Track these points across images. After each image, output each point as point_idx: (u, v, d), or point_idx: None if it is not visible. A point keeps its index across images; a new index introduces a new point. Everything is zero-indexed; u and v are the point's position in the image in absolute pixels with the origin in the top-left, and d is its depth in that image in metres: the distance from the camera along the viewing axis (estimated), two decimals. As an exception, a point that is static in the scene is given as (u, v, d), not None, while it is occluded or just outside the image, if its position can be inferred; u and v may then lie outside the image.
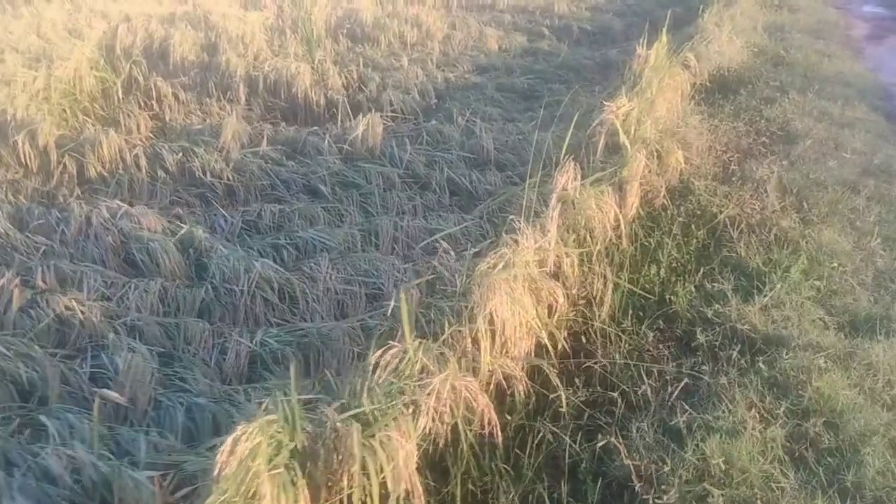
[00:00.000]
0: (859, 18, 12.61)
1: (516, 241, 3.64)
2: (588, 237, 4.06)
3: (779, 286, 4.29)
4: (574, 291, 4.00)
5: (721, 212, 4.92)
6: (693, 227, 4.94)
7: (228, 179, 6.30)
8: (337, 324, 4.14)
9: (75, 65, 8.70)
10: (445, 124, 7.08)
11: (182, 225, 5.18)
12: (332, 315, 4.39)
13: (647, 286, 4.40)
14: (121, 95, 8.70)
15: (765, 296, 4.25)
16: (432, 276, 3.66)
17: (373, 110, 6.86)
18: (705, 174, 5.54)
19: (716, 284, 4.40)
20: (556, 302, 3.66)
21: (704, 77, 7.59)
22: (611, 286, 4.09)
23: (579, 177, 4.39)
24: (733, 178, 5.57)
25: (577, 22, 13.71)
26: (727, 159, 5.92)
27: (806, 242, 4.71)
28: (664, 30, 7.08)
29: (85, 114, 8.35)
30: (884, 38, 11.54)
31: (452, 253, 3.81)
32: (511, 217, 3.77)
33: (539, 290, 3.59)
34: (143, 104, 8.69)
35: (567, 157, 4.19)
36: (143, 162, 6.48)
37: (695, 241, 4.85)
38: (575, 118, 4.66)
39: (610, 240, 4.21)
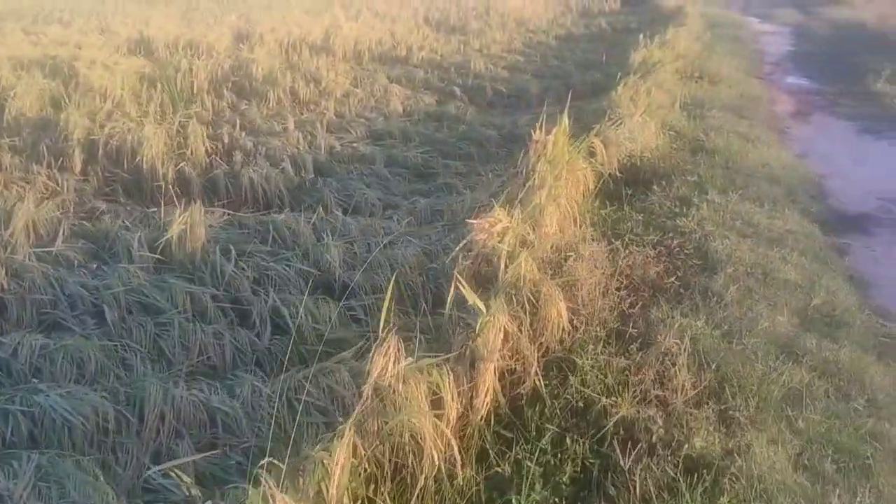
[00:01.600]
0: (783, 91, 11.88)
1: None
2: (408, 464, 2.73)
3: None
4: None
5: (611, 411, 3.42)
6: (569, 439, 3.33)
7: (1, 289, 4.79)
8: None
9: None
10: (301, 218, 5.73)
11: None
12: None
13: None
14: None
15: None
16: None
17: (198, 201, 5.44)
18: (596, 335, 4.04)
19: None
20: None
21: (614, 166, 6.48)
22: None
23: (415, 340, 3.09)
24: (633, 343, 3.98)
25: (492, 82, 12.67)
26: (628, 304, 4.47)
27: (729, 477, 3.10)
28: (565, 113, 5.93)
29: None
30: (809, 115, 10.75)
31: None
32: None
33: None
34: (-48, 169, 7.11)
35: (391, 326, 2.86)
36: None
37: (570, 466, 3.20)
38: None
39: (440, 466, 2.84)
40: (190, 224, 4.90)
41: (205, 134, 8.19)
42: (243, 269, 4.71)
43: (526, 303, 3.66)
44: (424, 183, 7.57)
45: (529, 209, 4.64)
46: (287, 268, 4.78)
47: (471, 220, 4.10)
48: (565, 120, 5.89)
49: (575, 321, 4.01)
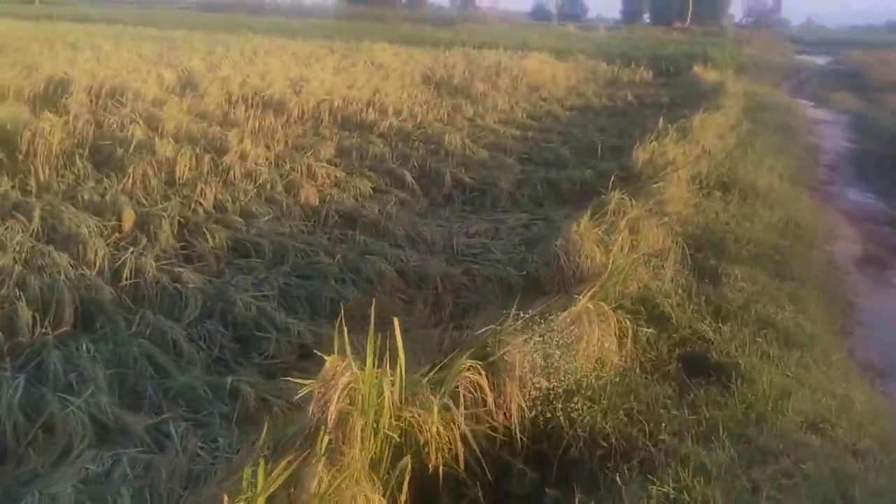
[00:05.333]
0: (843, 215, 8.40)
1: None
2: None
3: None
4: None
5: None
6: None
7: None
8: None
9: None
10: None
11: None
12: None
13: None
14: None
15: None
16: None
17: None
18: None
19: None
20: None
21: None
22: None
23: None
24: None
25: (459, 168, 9.54)
26: None
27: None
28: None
29: None
30: (885, 265, 7.02)
31: None
32: None
33: None
34: None
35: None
36: None
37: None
38: None
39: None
40: None
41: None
42: None
43: None
44: (219, 395, 4.32)
45: None
46: None
47: None
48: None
49: None
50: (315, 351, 4.68)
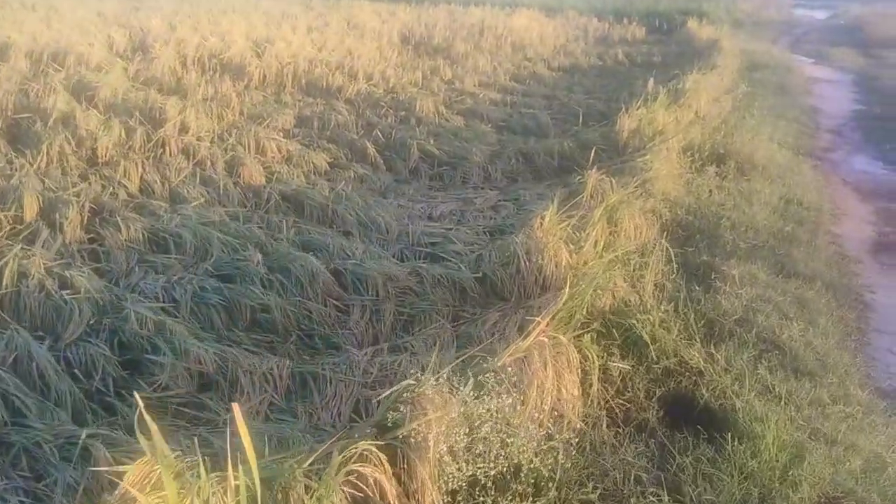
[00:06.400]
0: (852, 189, 7.37)
1: None
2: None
3: None
4: None
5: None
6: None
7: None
8: None
9: None
10: None
11: None
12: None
13: None
14: None
15: None
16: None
17: None
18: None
19: None
20: None
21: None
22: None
23: None
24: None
25: (430, 137, 8.59)
26: None
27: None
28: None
29: None
30: None
31: None
32: None
33: None
34: None
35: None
36: None
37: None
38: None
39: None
40: None
41: None
42: None
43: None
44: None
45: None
46: None
47: None
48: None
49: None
50: (219, 379, 3.85)
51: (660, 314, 3.55)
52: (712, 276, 4.30)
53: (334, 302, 4.50)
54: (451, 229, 5.92)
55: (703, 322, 3.73)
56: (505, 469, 2.34)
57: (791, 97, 11.81)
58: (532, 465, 2.35)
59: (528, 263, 3.93)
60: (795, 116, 10.26)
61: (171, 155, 7.05)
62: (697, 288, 4.14)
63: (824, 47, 20.37)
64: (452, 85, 12.21)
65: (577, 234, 4.11)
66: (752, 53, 16.47)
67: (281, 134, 8.55)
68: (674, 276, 4.19)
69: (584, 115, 10.27)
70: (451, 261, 5.15)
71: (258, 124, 8.78)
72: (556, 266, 3.83)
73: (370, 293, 4.52)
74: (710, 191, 6.02)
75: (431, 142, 8.41)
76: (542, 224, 4.05)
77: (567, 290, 3.45)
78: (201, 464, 1.84)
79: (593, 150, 6.47)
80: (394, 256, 5.43)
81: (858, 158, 8.72)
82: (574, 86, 13.01)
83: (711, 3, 26.02)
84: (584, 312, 3.44)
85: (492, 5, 23.15)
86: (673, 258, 4.21)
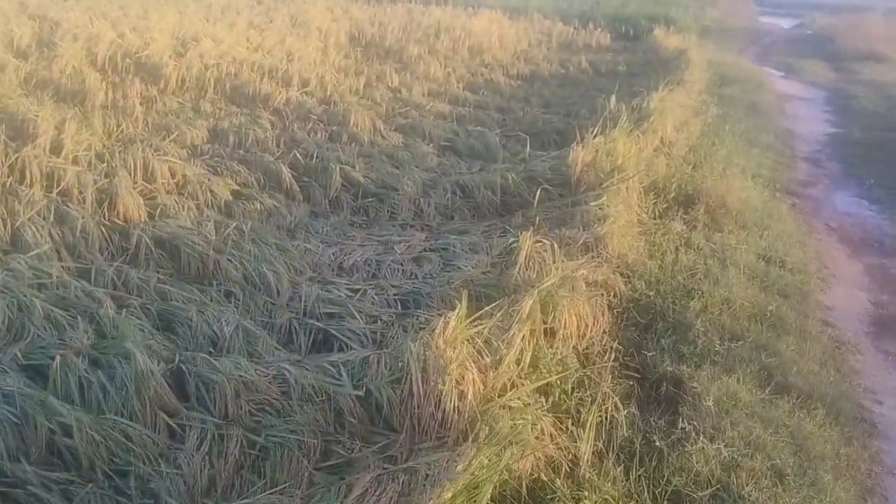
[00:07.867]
0: (838, 238, 6.21)
1: None
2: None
3: None
4: None
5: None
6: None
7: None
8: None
9: None
10: None
11: None
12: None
13: None
14: None
15: None
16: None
17: None
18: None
19: None
20: None
21: None
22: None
23: None
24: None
25: (361, 160, 7.35)
26: None
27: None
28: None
29: None
30: None
31: None
32: None
33: None
34: None
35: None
36: None
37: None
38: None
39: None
40: None
41: None
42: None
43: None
44: None
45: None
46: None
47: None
48: None
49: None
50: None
51: (603, 492, 2.38)
52: (679, 401, 3.17)
53: (166, 419, 3.26)
54: (357, 292, 4.71)
55: (666, 496, 2.59)
56: None
57: (764, 118, 10.78)
58: None
59: (422, 387, 2.75)
60: (769, 143, 9.21)
61: (29, 183, 5.72)
62: (656, 422, 2.98)
63: (794, 59, 19.52)
64: (398, 94, 11.00)
65: (497, 338, 2.93)
66: (720, 66, 15.51)
67: (186, 152, 7.28)
68: (628, 403, 3.04)
69: (539, 132, 9.15)
70: (344, 342, 3.97)
71: (162, 139, 7.51)
72: (461, 397, 2.66)
73: (216, 408, 3.28)
74: (677, 249, 4.90)
75: (359, 166, 7.19)
76: (444, 331, 2.87)
77: (470, 445, 2.27)
78: None
79: (538, 191, 5.30)
80: (279, 330, 4.23)
81: (840, 196, 7.67)
82: (532, 97, 11.87)
83: (679, 9, 25.11)
84: (496, 484, 2.27)
85: (454, 5, 21.93)
86: (628, 368, 3.07)
